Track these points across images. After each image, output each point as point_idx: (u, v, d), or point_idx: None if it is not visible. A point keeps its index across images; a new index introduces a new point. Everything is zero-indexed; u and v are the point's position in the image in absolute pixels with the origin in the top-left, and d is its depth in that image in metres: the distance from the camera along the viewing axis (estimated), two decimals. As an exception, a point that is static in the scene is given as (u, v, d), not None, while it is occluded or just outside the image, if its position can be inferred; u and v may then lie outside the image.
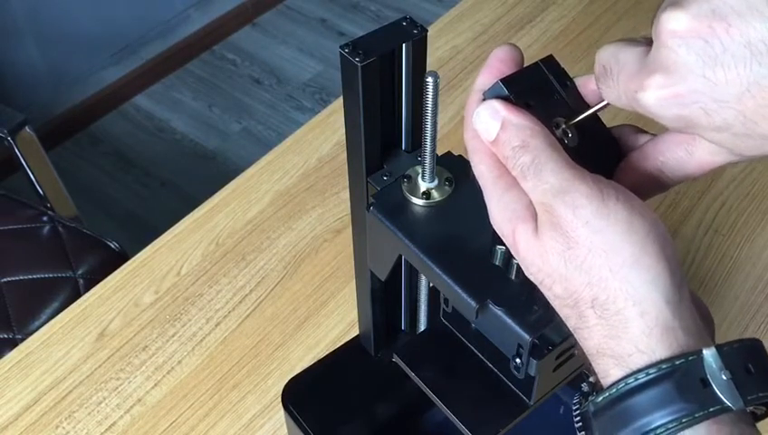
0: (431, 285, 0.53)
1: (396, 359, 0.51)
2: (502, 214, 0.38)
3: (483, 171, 0.39)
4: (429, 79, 0.42)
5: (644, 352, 0.34)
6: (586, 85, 0.40)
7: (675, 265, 0.35)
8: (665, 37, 0.32)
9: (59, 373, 0.76)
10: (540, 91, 0.39)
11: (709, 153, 0.37)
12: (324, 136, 0.97)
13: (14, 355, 0.77)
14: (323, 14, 2.48)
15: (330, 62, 2.31)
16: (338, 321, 0.79)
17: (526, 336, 0.42)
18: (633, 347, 0.34)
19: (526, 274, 0.38)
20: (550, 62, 0.40)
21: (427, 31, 0.44)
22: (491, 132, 0.38)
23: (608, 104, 0.38)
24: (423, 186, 0.47)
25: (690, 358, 0.34)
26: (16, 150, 1.21)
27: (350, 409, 0.61)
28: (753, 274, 0.82)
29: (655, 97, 0.33)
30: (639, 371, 0.34)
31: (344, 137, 0.48)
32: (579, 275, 0.35)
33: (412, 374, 0.50)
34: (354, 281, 0.63)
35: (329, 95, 2.23)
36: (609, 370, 0.35)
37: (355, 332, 0.63)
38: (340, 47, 0.43)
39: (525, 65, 0.41)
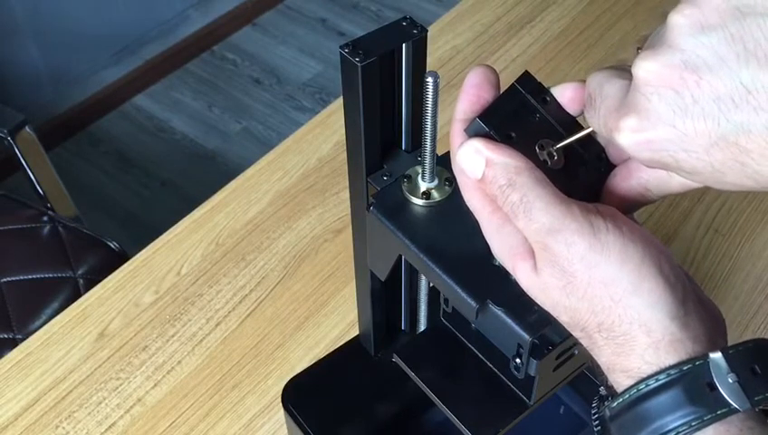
0: (431, 285, 0.53)
1: (396, 359, 0.51)
2: (501, 249, 0.39)
3: (476, 206, 0.39)
4: (429, 79, 0.42)
5: (653, 364, 0.35)
6: (563, 94, 0.40)
7: (675, 280, 0.36)
8: (639, 83, 0.32)
9: (59, 373, 0.76)
10: (520, 116, 0.39)
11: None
12: (324, 136, 0.97)
13: (14, 355, 0.77)
14: (323, 14, 2.48)
15: (330, 62, 2.31)
16: (338, 321, 0.79)
17: (526, 336, 0.42)
18: (641, 361, 0.36)
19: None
20: (526, 79, 0.40)
21: (427, 31, 0.44)
22: (476, 172, 0.38)
23: (592, 130, 0.38)
24: (423, 186, 0.47)
25: (697, 363, 0.34)
26: (16, 150, 1.21)
27: (350, 409, 0.61)
28: (753, 274, 0.82)
29: (627, 139, 0.33)
30: (650, 377, 0.35)
31: (344, 137, 0.48)
32: (582, 305, 0.36)
33: (412, 374, 0.50)
34: (354, 281, 0.63)
35: (329, 95, 2.23)
36: (622, 382, 0.37)
37: (355, 332, 0.63)
38: (340, 47, 0.43)
39: (523, 69, 0.41)
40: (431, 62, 0.44)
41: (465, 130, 0.39)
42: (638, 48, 0.35)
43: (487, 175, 0.38)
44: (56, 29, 2.02)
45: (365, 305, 0.58)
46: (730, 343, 0.36)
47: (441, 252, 0.44)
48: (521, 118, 0.39)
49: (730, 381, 0.34)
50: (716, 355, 0.34)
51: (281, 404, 0.61)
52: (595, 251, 0.35)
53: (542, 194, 0.36)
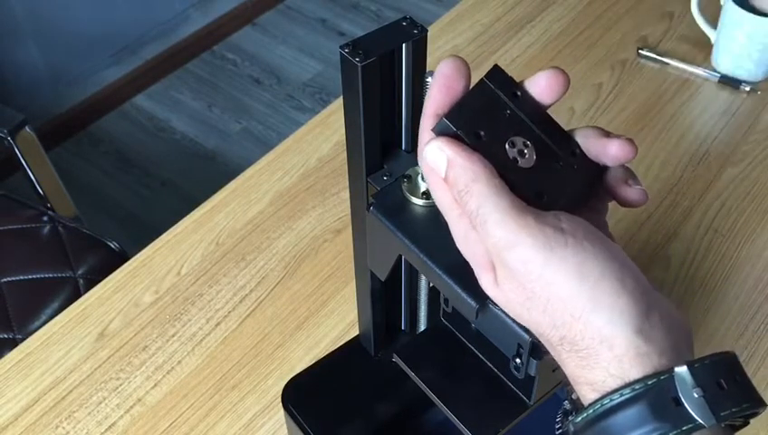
0: (431, 285, 0.53)
1: (396, 359, 0.51)
2: (467, 256, 0.39)
3: (445, 208, 0.39)
4: (429, 79, 0.42)
5: (617, 377, 0.35)
6: (537, 83, 0.39)
7: (639, 294, 0.35)
8: None
9: (59, 373, 0.76)
10: (489, 113, 0.38)
11: None
12: (324, 136, 0.97)
13: (14, 355, 0.77)
14: (323, 14, 2.48)
15: (330, 62, 2.31)
16: (338, 321, 0.79)
17: (526, 336, 0.42)
18: (606, 374, 0.35)
19: None
20: (495, 74, 0.39)
21: (427, 31, 0.44)
22: (441, 170, 0.37)
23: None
24: (423, 186, 0.47)
25: (662, 377, 0.34)
26: (16, 150, 1.21)
27: (350, 409, 0.61)
28: (753, 274, 0.82)
29: None
30: (614, 391, 0.34)
31: (344, 137, 0.48)
32: (543, 320, 0.36)
33: (412, 374, 0.50)
34: (354, 281, 0.63)
35: (329, 95, 2.23)
36: (587, 395, 0.36)
37: (355, 332, 0.63)
38: (340, 47, 0.43)
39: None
40: (431, 62, 0.44)
41: (432, 130, 0.38)
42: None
43: (449, 176, 0.37)
44: (56, 29, 2.02)
45: (365, 305, 0.58)
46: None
47: (441, 252, 0.44)
48: (490, 115, 0.38)
49: (695, 395, 0.33)
50: (682, 369, 0.34)
51: (281, 404, 0.61)
52: (551, 268, 0.35)
53: (498, 204, 0.35)
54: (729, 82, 1.01)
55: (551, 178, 0.39)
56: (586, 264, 0.35)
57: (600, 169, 0.41)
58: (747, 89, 1.01)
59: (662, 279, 0.81)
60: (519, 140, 0.38)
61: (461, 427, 0.48)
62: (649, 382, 0.34)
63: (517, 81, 0.40)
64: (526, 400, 0.48)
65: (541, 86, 0.39)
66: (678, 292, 0.80)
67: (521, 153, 0.38)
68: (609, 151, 0.39)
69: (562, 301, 0.35)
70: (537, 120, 0.39)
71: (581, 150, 0.40)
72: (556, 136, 0.39)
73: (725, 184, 0.91)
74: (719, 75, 1.02)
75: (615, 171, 0.40)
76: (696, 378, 0.34)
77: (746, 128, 0.97)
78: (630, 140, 0.39)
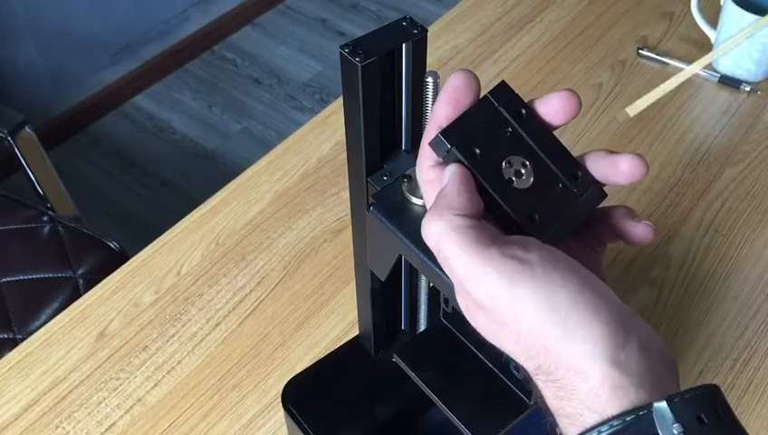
0: (431, 285, 0.53)
1: (396, 359, 0.51)
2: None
3: None
4: (429, 79, 0.42)
5: (594, 411, 0.34)
6: (550, 104, 0.38)
7: (615, 324, 0.34)
8: None
9: (59, 373, 0.76)
10: (488, 130, 0.38)
11: None
12: (324, 136, 0.97)
13: (14, 355, 0.77)
14: (323, 14, 2.48)
15: (330, 62, 2.31)
16: (338, 321, 0.79)
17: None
18: (583, 407, 0.34)
19: None
20: (501, 90, 0.38)
21: (427, 31, 0.44)
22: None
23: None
24: (423, 186, 0.47)
25: (641, 413, 0.33)
26: (16, 150, 1.21)
27: (350, 409, 0.61)
28: (753, 274, 0.82)
29: None
30: (592, 428, 0.34)
31: (344, 137, 0.48)
32: (516, 349, 0.35)
33: (412, 374, 0.50)
34: (354, 281, 0.63)
35: (329, 95, 2.23)
36: (566, 428, 0.35)
37: (355, 332, 0.63)
38: (341, 47, 0.43)
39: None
40: (431, 62, 0.44)
41: (429, 144, 0.38)
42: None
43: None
44: (56, 29, 2.02)
45: (365, 305, 0.58)
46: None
47: (441, 252, 0.44)
48: (489, 132, 0.38)
49: (675, 432, 0.32)
50: (661, 405, 0.33)
51: (281, 404, 0.61)
52: (519, 301, 0.34)
53: (458, 240, 0.35)
54: (729, 82, 1.01)
55: (546, 200, 0.38)
56: (556, 296, 0.34)
57: (601, 196, 0.40)
58: (747, 89, 1.01)
59: (662, 279, 0.81)
60: (517, 160, 0.38)
61: (461, 427, 0.48)
62: (628, 419, 0.33)
63: (523, 97, 0.39)
64: (526, 400, 0.48)
65: (553, 107, 0.38)
66: (678, 292, 0.80)
67: (517, 173, 0.37)
68: (620, 167, 0.38)
69: (534, 333, 0.34)
70: (541, 140, 0.38)
71: (585, 175, 0.39)
72: (559, 158, 0.39)
73: (725, 184, 0.91)
74: (719, 75, 1.02)
75: (618, 209, 0.40)
76: (676, 413, 0.33)
77: (746, 128, 0.97)
78: (641, 156, 0.38)
